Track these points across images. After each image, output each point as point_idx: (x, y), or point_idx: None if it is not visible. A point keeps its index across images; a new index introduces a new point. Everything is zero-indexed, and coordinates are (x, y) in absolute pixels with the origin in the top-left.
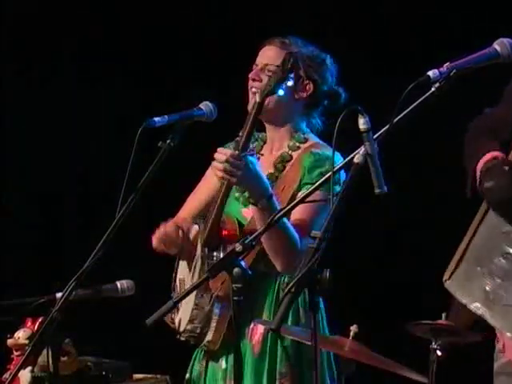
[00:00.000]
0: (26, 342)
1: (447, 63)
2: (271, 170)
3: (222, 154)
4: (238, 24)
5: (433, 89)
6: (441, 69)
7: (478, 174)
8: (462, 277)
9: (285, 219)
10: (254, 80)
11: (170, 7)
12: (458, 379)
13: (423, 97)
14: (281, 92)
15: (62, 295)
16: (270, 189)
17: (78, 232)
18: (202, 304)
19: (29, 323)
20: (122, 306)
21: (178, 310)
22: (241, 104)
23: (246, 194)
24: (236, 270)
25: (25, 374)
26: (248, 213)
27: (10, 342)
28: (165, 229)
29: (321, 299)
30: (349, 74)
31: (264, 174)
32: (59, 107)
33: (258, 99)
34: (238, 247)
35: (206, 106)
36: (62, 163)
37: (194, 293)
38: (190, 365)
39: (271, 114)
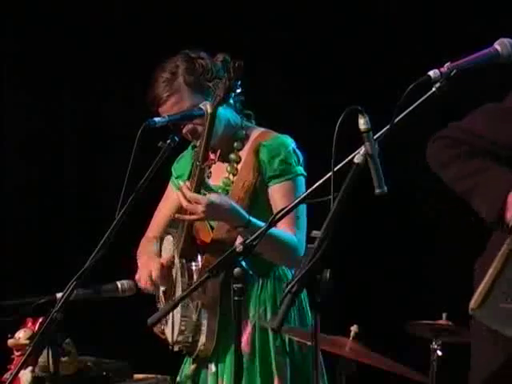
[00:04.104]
0: (27, 342)
1: (448, 63)
2: (225, 175)
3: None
4: (237, 22)
5: (433, 89)
6: (441, 69)
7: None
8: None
9: (270, 230)
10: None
11: (169, 7)
12: (457, 379)
13: (424, 97)
14: (231, 101)
15: (63, 295)
16: (246, 215)
17: (78, 232)
18: (189, 314)
19: (29, 323)
20: (122, 306)
21: (166, 321)
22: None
23: None
24: (236, 269)
25: (25, 374)
26: None
27: (10, 342)
28: (155, 273)
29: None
30: (349, 74)
31: (235, 203)
32: (59, 107)
33: (209, 110)
34: (239, 247)
35: (206, 105)
36: (61, 163)
37: (180, 305)
38: (180, 369)
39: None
